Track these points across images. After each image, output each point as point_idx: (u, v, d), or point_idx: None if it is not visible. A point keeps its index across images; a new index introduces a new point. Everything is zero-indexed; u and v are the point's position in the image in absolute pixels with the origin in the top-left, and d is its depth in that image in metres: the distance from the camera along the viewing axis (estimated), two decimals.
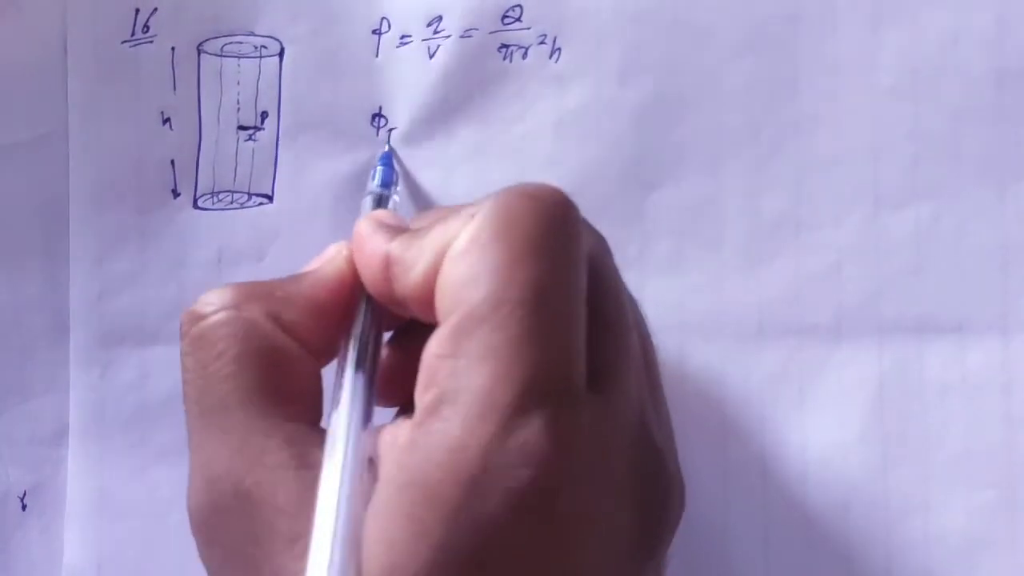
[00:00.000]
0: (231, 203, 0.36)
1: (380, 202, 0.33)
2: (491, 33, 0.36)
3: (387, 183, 0.34)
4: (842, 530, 0.34)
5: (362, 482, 0.25)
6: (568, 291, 0.26)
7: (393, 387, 0.29)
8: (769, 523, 0.34)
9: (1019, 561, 0.33)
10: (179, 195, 0.36)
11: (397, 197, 0.34)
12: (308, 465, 0.26)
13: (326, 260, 0.30)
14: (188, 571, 0.35)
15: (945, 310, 0.34)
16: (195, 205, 0.36)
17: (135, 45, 0.36)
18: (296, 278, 0.30)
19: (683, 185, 0.35)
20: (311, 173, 0.36)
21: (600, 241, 0.28)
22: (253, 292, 0.29)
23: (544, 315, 0.25)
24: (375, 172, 0.35)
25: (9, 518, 0.36)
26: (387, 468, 0.25)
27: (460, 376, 0.25)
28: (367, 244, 0.29)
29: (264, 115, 0.36)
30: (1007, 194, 0.34)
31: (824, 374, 0.34)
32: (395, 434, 0.26)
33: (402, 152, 0.36)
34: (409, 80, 0.36)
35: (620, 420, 0.26)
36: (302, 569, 0.24)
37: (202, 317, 0.28)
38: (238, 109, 0.36)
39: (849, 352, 0.34)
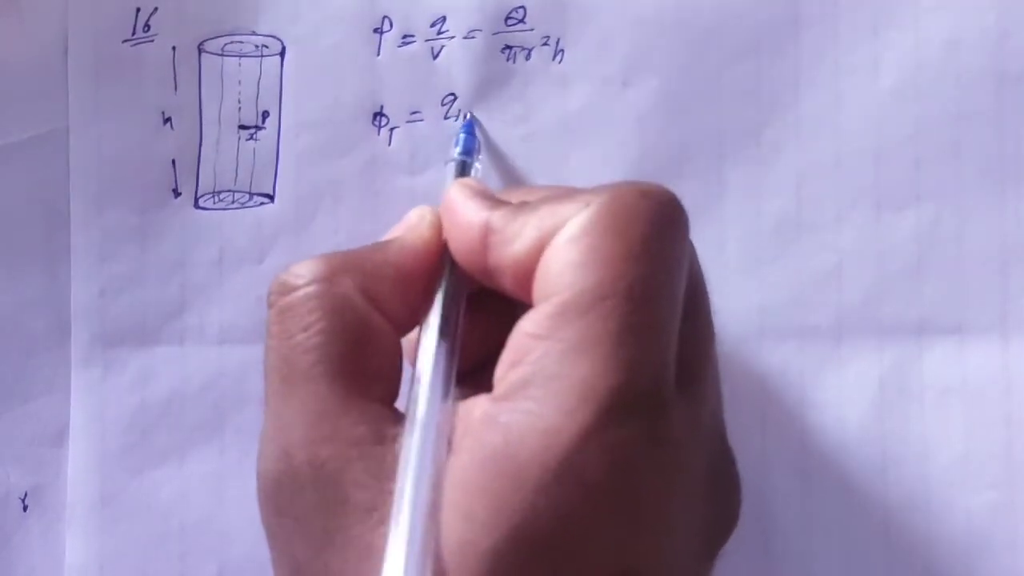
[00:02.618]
0: (232, 203, 0.36)
1: (463, 169, 0.33)
2: (495, 34, 0.36)
3: (469, 150, 0.34)
4: (842, 531, 0.34)
5: (442, 454, 0.26)
6: (672, 293, 0.26)
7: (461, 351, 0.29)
8: (770, 524, 0.34)
9: (1019, 562, 0.34)
10: (180, 195, 0.36)
11: (479, 165, 0.34)
12: (384, 440, 0.26)
13: (409, 227, 0.30)
14: (189, 571, 0.35)
15: (945, 312, 0.34)
16: (196, 205, 0.36)
17: (136, 44, 0.36)
18: (382, 247, 0.29)
19: (685, 186, 0.35)
20: (312, 173, 0.36)
21: (692, 247, 0.29)
22: (345, 264, 0.28)
23: (647, 314, 0.25)
24: (458, 139, 0.34)
25: (10, 519, 0.36)
26: (464, 440, 0.25)
27: (556, 360, 0.25)
28: (462, 210, 0.29)
29: (265, 114, 0.36)
30: (1007, 196, 0.34)
31: (825, 375, 0.35)
32: (470, 406, 0.26)
33: (403, 153, 0.36)
34: (412, 80, 0.36)
35: (702, 422, 0.27)
36: (376, 539, 0.25)
37: (293, 288, 0.28)
38: (239, 108, 0.36)
39: (850, 353, 0.35)
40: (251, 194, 0.36)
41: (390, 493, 0.25)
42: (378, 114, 0.36)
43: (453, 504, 0.25)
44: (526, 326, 0.26)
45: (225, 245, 0.36)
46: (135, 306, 0.36)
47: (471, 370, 0.29)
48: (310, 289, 0.28)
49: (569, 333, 0.25)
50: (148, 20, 0.36)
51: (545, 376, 0.25)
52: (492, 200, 0.29)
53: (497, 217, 0.28)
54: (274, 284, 0.29)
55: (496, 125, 0.36)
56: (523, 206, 0.28)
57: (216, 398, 0.36)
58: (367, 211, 0.36)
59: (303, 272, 0.28)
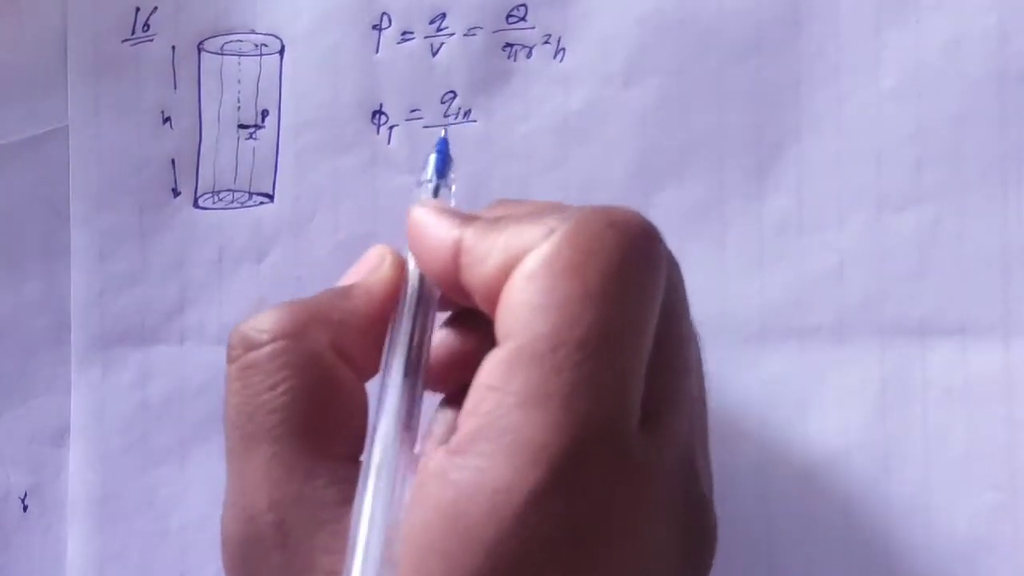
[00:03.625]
0: (232, 202, 0.36)
1: (436, 193, 0.32)
2: (495, 32, 0.35)
3: (443, 172, 0.33)
4: (844, 532, 0.34)
5: (400, 503, 0.25)
6: (634, 337, 0.25)
7: (444, 372, 0.28)
8: (771, 525, 0.34)
9: (1021, 563, 0.34)
10: (180, 194, 0.36)
11: (454, 187, 0.33)
12: (350, 501, 0.25)
13: (370, 269, 0.29)
14: (189, 571, 0.35)
15: (947, 312, 0.34)
16: (196, 204, 0.36)
17: (135, 44, 0.36)
18: (346, 294, 0.28)
19: (686, 187, 0.35)
20: (312, 172, 0.36)
21: (675, 271, 0.27)
22: (312, 317, 0.27)
23: (604, 363, 0.24)
24: (427, 161, 0.33)
25: (10, 519, 0.35)
26: (420, 491, 0.25)
27: (506, 414, 0.24)
28: (432, 229, 0.28)
29: (265, 113, 0.36)
30: (1009, 196, 0.34)
31: (826, 376, 0.35)
32: (427, 458, 0.25)
33: (403, 151, 0.36)
34: (411, 78, 0.36)
35: (671, 469, 0.26)
36: None
37: (257, 344, 0.27)
38: (239, 108, 0.36)
39: (851, 354, 0.34)
40: (251, 193, 0.36)
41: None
42: (377, 112, 0.36)
43: (409, 558, 0.24)
44: (483, 376, 0.25)
45: (225, 245, 0.36)
46: (135, 306, 0.36)
47: (452, 397, 0.28)
48: (276, 346, 0.27)
49: (520, 385, 0.24)
50: (147, 19, 0.36)
51: (496, 430, 0.24)
52: (461, 217, 0.28)
53: (468, 235, 0.27)
54: (235, 337, 0.27)
55: (496, 124, 0.35)
56: (494, 223, 0.27)
57: (216, 397, 0.35)
58: (367, 210, 0.36)
59: (267, 327, 0.27)
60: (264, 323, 0.27)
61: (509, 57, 0.35)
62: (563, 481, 0.23)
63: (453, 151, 0.35)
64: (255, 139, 0.36)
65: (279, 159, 0.36)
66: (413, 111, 0.36)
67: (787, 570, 0.34)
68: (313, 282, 0.35)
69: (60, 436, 0.36)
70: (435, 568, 0.24)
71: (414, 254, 0.29)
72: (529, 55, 0.35)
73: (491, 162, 0.35)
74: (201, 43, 0.36)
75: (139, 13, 0.36)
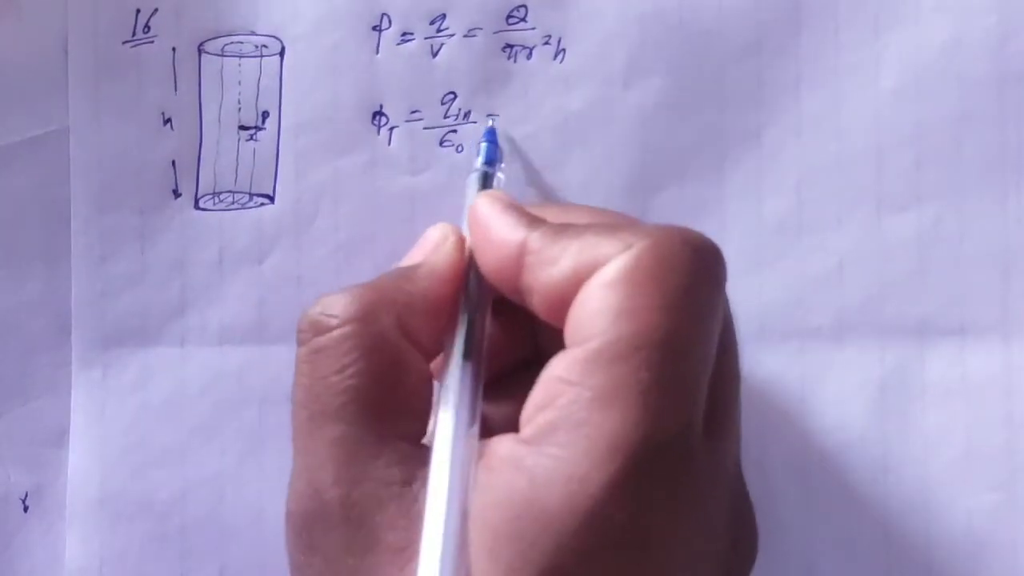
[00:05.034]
0: (232, 203, 0.36)
1: (486, 181, 0.33)
2: (495, 33, 0.35)
3: (492, 160, 0.33)
4: (843, 532, 0.34)
5: (468, 484, 0.26)
6: (705, 346, 0.26)
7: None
8: (771, 524, 0.34)
9: (1020, 564, 0.34)
10: (180, 195, 0.36)
11: (502, 175, 0.34)
12: (415, 479, 0.26)
13: (433, 249, 0.30)
14: (189, 571, 0.35)
15: (947, 313, 0.34)
16: (196, 206, 0.36)
17: (136, 45, 0.36)
18: (410, 276, 0.29)
19: (686, 187, 0.35)
20: (312, 173, 0.36)
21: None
22: (379, 300, 0.28)
23: (679, 367, 0.25)
24: (479, 149, 0.34)
25: (11, 520, 0.36)
26: (488, 477, 0.26)
27: (585, 407, 0.25)
28: (496, 225, 0.29)
29: (265, 115, 0.36)
30: (1009, 197, 0.34)
31: (826, 376, 0.35)
32: (494, 444, 0.26)
33: (403, 152, 0.36)
34: (411, 79, 0.36)
35: (726, 472, 0.27)
36: None
37: (327, 328, 0.28)
38: (239, 109, 0.36)
39: (851, 354, 0.34)
40: (251, 195, 0.36)
41: (420, 532, 0.25)
42: (378, 113, 0.36)
43: (479, 541, 0.25)
44: (557, 370, 0.26)
45: (225, 246, 0.36)
46: (135, 306, 0.36)
47: (493, 380, 0.29)
48: (346, 330, 0.27)
49: (600, 380, 0.25)
50: (148, 21, 0.36)
51: (573, 422, 0.25)
52: (527, 217, 0.29)
53: (535, 238, 0.28)
54: (304, 322, 0.28)
55: (497, 124, 0.35)
56: (563, 230, 0.28)
57: (216, 399, 0.36)
58: (367, 211, 0.36)
59: (336, 311, 0.28)
60: (333, 307, 0.28)
61: (509, 58, 0.35)
62: (637, 474, 0.25)
63: (453, 151, 0.35)
64: (256, 140, 0.36)
65: (280, 160, 0.36)
66: (413, 112, 0.36)
67: (787, 569, 0.34)
68: (314, 283, 0.35)
69: (60, 437, 0.36)
70: (506, 551, 0.25)
71: (475, 247, 0.29)
72: (529, 56, 0.35)
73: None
74: (201, 44, 0.36)
75: (139, 14, 0.36)
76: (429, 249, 0.30)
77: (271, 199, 0.36)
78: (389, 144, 0.36)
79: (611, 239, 0.27)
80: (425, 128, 0.36)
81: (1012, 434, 0.34)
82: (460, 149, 0.35)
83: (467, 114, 0.36)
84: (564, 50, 0.35)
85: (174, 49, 0.36)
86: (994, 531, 0.34)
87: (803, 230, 0.35)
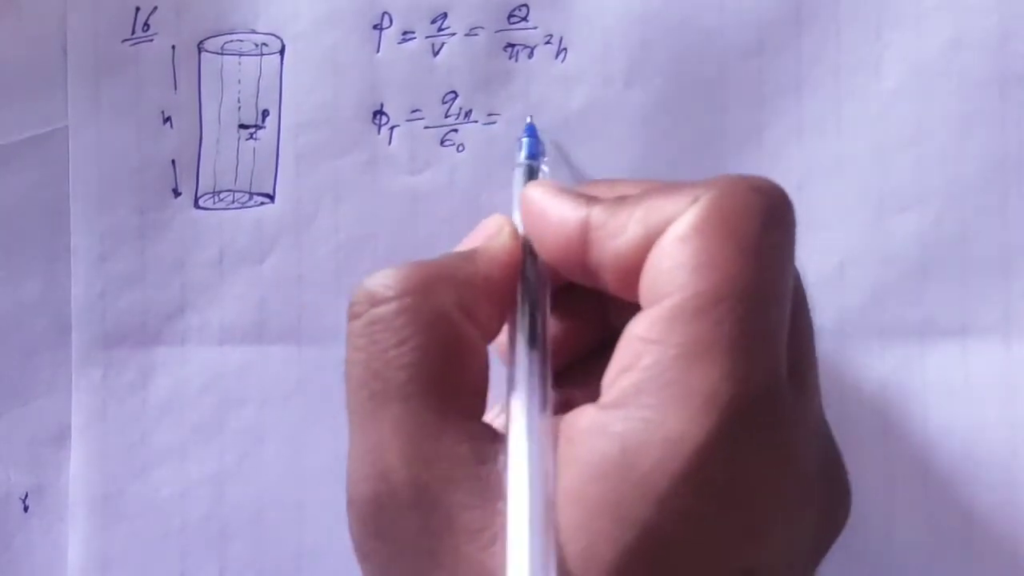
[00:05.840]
0: (232, 203, 0.36)
1: (532, 174, 0.32)
2: (497, 32, 0.35)
3: (535, 154, 0.33)
4: (843, 533, 0.34)
5: (549, 467, 0.25)
6: (783, 292, 0.26)
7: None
8: None
9: (1021, 564, 0.34)
10: (180, 195, 0.36)
11: (546, 168, 0.33)
12: (485, 459, 0.25)
13: (490, 235, 0.29)
14: (190, 571, 0.35)
15: (948, 313, 0.34)
16: (196, 205, 0.36)
17: (135, 44, 0.36)
18: (469, 258, 0.28)
19: None
20: (313, 172, 0.36)
21: None
22: (438, 275, 0.27)
23: (761, 316, 0.25)
24: (521, 144, 0.34)
25: (11, 520, 0.35)
26: (571, 451, 0.25)
27: (671, 366, 0.24)
28: (555, 208, 0.28)
29: (265, 113, 0.36)
30: (1010, 197, 0.34)
31: (826, 377, 0.34)
32: (572, 417, 0.25)
33: (404, 152, 0.36)
34: (412, 78, 0.36)
35: (814, 421, 0.26)
36: (489, 559, 0.24)
37: (384, 300, 0.27)
38: (239, 108, 0.36)
39: (852, 355, 0.35)
40: (251, 194, 0.36)
41: (498, 512, 0.25)
42: (378, 112, 0.36)
43: (569, 517, 0.24)
44: (637, 330, 0.25)
45: (225, 245, 0.36)
46: (135, 306, 0.36)
47: (559, 372, 0.28)
48: (404, 302, 0.27)
49: (683, 337, 0.24)
50: (147, 19, 0.36)
51: (661, 382, 0.24)
52: (583, 196, 0.28)
53: (597, 212, 0.27)
54: (360, 294, 0.27)
55: (497, 124, 0.35)
56: (623, 200, 0.27)
57: (216, 398, 0.36)
58: (367, 211, 0.36)
59: (393, 283, 0.27)
60: (390, 279, 0.27)
61: (511, 57, 0.35)
62: (733, 429, 0.24)
63: (454, 151, 0.35)
64: (256, 139, 0.36)
65: (280, 159, 0.36)
66: (414, 111, 0.36)
67: None
68: (314, 283, 0.35)
69: (61, 437, 0.36)
70: (604, 523, 0.24)
71: (532, 235, 0.29)
72: (531, 55, 0.35)
73: (492, 162, 0.35)
74: (201, 43, 0.36)
75: (139, 13, 0.36)
76: (483, 237, 0.29)
77: (271, 198, 0.36)
78: (390, 143, 0.36)
79: (675, 197, 0.26)
80: (426, 127, 0.36)
81: (1013, 435, 0.34)
82: (461, 148, 0.35)
83: (468, 113, 0.36)
84: (565, 50, 0.35)
85: (174, 47, 0.36)
86: (995, 532, 0.34)
87: (803, 230, 0.35)
